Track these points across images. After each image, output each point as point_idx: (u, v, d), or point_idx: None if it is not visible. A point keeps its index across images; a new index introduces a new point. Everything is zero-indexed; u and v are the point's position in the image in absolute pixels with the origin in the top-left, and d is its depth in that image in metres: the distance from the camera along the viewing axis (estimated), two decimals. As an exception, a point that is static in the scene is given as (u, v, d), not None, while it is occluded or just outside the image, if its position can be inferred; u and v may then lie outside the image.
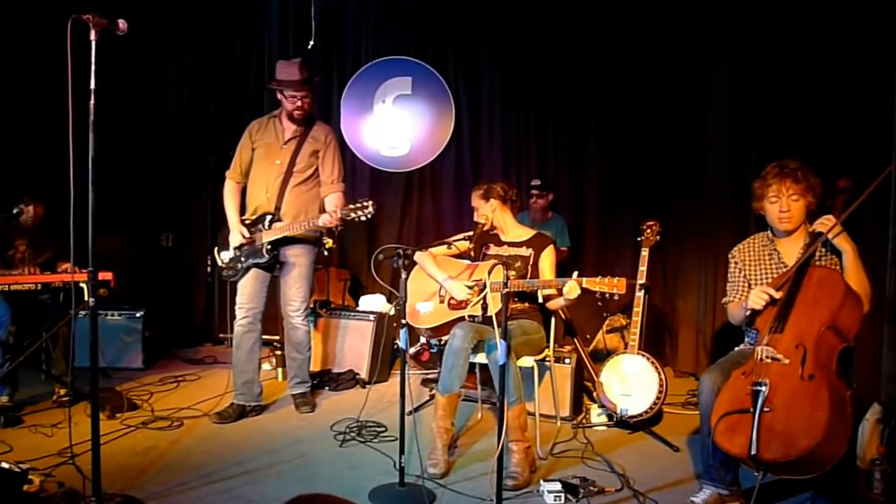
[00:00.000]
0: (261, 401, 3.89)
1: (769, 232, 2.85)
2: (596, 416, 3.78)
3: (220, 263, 3.89)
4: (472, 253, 3.58)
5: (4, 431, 3.45)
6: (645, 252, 3.72)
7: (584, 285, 2.99)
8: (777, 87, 4.23)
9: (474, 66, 5.55)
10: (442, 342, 3.35)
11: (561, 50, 5.23)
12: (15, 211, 4.14)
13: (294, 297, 3.85)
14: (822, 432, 2.25)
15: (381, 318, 4.69)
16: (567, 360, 3.83)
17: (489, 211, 3.53)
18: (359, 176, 5.74)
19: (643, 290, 3.68)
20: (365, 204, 3.40)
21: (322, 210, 3.74)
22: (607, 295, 2.96)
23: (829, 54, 3.89)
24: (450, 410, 3.15)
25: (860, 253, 2.61)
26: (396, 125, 5.70)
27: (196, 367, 4.95)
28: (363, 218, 3.42)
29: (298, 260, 3.82)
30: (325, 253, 4.04)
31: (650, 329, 4.21)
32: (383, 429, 3.57)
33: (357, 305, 5.08)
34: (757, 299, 2.60)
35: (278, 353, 4.58)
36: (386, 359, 4.72)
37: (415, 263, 3.47)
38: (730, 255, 2.93)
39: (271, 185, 3.76)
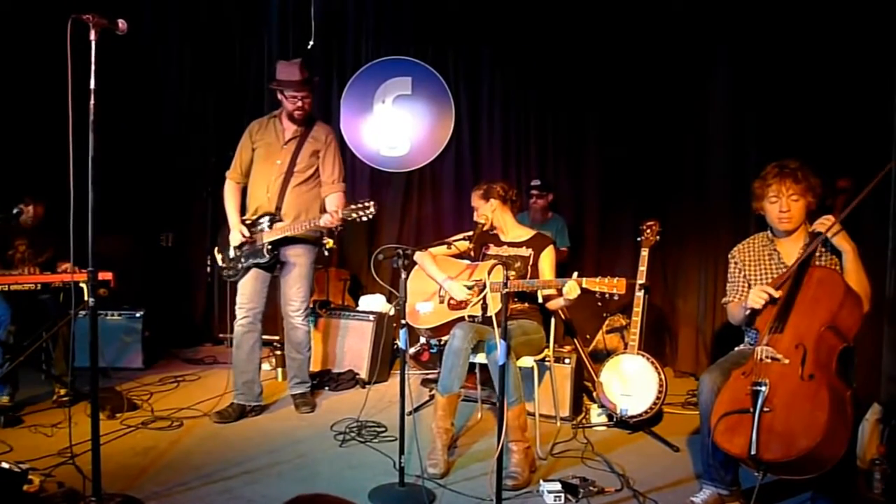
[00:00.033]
0: (261, 401, 3.89)
1: (769, 232, 2.85)
2: (596, 416, 3.78)
3: (220, 263, 3.89)
4: (471, 253, 3.58)
5: (4, 431, 3.45)
6: (645, 252, 3.72)
7: (584, 285, 2.99)
8: (777, 88, 4.23)
9: (474, 66, 5.54)
10: (442, 342, 3.35)
11: (561, 50, 5.22)
12: (15, 211, 4.14)
13: (294, 297, 3.85)
14: (822, 432, 2.25)
15: (380, 318, 4.69)
16: (567, 361, 3.83)
17: (489, 211, 3.53)
18: (359, 176, 5.73)
19: (643, 290, 3.68)
20: (366, 204, 3.39)
21: (323, 210, 3.74)
22: (607, 295, 2.95)
23: (829, 54, 3.89)
24: (450, 410, 3.15)
25: (860, 253, 2.60)
26: (396, 125, 5.70)
27: (196, 367, 4.95)
28: (364, 218, 3.42)
29: (299, 260, 3.83)
30: (326, 253, 4.03)
31: (650, 329, 4.20)
32: (383, 429, 3.57)
33: (357, 305, 5.07)
34: (756, 298, 2.60)
35: (278, 353, 4.57)
36: (386, 359, 4.72)
37: (414, 263, 3.47)
38: (729, 256, 2.93)
39: (272, 185, 3.76)
